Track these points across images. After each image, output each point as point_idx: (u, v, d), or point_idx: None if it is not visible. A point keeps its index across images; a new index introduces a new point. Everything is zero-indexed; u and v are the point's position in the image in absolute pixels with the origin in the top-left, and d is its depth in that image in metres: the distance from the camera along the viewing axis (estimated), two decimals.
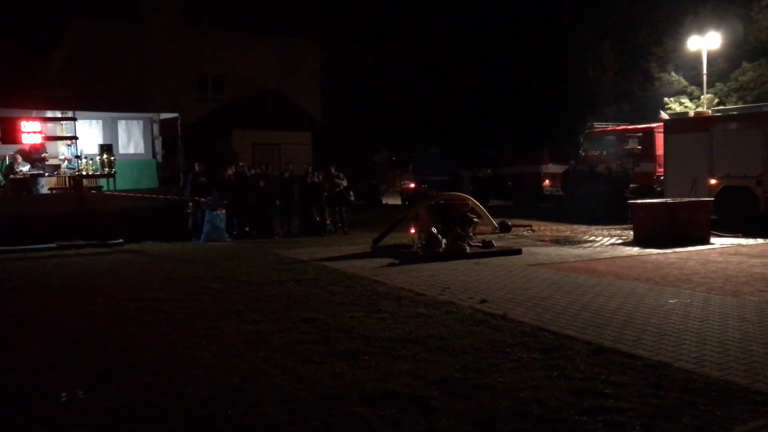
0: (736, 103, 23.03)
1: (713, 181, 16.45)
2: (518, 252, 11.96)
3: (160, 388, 4.80)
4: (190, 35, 28.79)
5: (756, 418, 4.09)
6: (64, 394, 4.71)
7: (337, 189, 16.99)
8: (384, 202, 30.78)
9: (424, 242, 11.54)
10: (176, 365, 5.36)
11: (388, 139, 40.50)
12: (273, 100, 29.49)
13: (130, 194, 15.78)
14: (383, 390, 4.64)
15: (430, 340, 5.96)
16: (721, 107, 21.08)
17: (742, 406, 4.27)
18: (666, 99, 25.55)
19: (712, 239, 13.49)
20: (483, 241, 12.41)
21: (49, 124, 16.09)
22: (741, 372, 4.94)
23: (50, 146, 16.27)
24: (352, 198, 18.84)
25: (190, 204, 15.70)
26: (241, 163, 17.42)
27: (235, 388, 4.75)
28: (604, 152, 21.83)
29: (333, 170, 17.36)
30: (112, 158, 15.90)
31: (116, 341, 6.19)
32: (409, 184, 29.27)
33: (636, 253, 11.86)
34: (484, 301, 7.61)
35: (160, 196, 16.06)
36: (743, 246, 12.69)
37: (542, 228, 16.85)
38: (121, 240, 14.39)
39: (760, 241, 13.34)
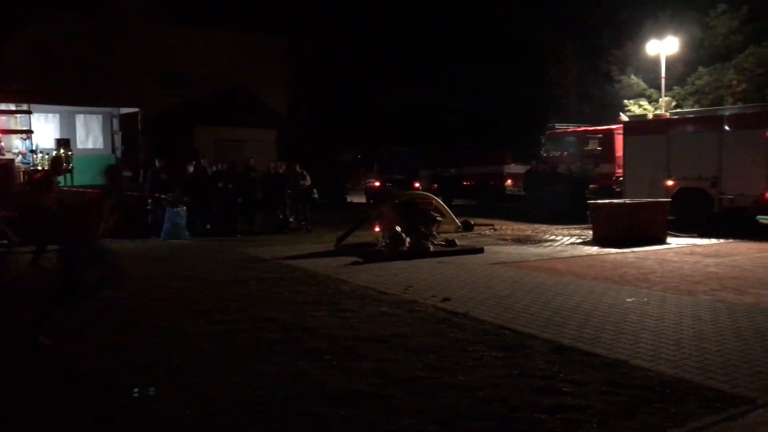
0: (692, 107, 23.60)
1: (670, 183, 16.84)
2: (480, 251, 12.07)
3: (116, 390, 4.71)
4: (152, 30, 28.24)
5: (709, 414, 4.21)
6: None
7: (302, 187, 16.90)
8: (349, 200, 30.75)
9: (388, 241, 11.56)
10: (135, 366, 5.27)
11: (354, 137, 40.46)
12: (237, 97, 29.13)
13: (88, 190, 15.42)
14: (346, 389, 4.64)
15: (394, 339, 5.97)
16: (679, 110, 21.59)
17: (696, 403, 4.39)
18: (625, 101, 26.06)
19: (669, 239, 13.82)
20: (446, 240, 12.49)
21: (3, 117, 15.63)
22: (695, 369, 5.07)
23: (4, 140, 15.80)
24: (316, 196, 18.78)
25: (150, 201, 15.42)
26: (202, 160, 17.18)
27: (195, 389, 4.69)
28: (565, 153, 22.14)
29: (298, 168, 17.26)
30: (70, 153, 15.52)
31: (71, 342, 6.05)
32: (374, 182, 29.31)
33: (595, 253, 12.09)
34: (446, 299, 7.66)
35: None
36: (698, 246, 13.03)
37: (504, 227, 17.04)
38: None
39: (714, 241, 13.72)
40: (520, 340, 5.96)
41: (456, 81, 38.51)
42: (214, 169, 16.76)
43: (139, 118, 17.28)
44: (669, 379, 4.84)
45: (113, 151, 17.45)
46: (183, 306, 7.53)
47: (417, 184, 27.05)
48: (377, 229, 13.22)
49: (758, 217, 16.81)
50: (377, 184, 28.81)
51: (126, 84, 25.17)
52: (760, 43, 23.73)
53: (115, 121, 17.46)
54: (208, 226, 16.17)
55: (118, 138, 17.44)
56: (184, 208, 14.91)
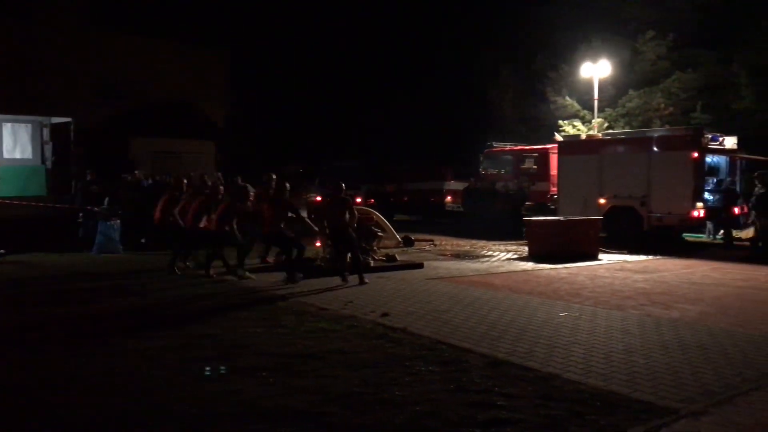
0: (623, 128, 24.55)
1: (602, 201, 17.39)
2: (420, 266, 12.16)
3: (37, 414, 4.50)
4: (87, 37, 27.41)
5: (636, 425, 4.34)
6: None
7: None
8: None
9: (328, 256, 11.51)
10: (57, 387, 5.04)
11: (296, 151, 40.23)
12: (176, 108, 28.54)
13: (15, 202, 14.79)
14: (281, 407, 4.57)
15: (331, 354, 5.94)
16: (610, 131, 22.41)
17: (624, 414, 4.52)
18: (560, 121, 26.87)
19: (601, 255, 14.27)
20: (387, 255, 12.54)
21: None
22: (623, 382, 5.24)
23: None
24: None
25: (81, 214, 14.89)
26: (136, 172, 16.73)
27: (122, 411, 4.53)
28: (503, 171, 22.62)
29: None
30: None
31: None
32: (315, 197, 29.16)
33: (530, 268, 12.36)
34: (385, 314, 7.68)
35: (49, 205, 15.15)
36: (628, 262, 13.50)
37: (444, 243, 17.23)
38: (2, 251, 13.43)
39: (643, 257, 14.24)
40: (457, 354, 6.02)
41: (397, 98, 38.88)
42: (150, 181, 16.31)
43: (72, 128, 16.71)
44: (599, 392, 4.98)
45: (43, 161, 16.81)
46: (113, 323, 7.28)
47: (358, 199, 27.09)
48: (318, 243, 13.14)
49: (684, 234, 17.57)
50: (319, 198, 28.68)
51: (58, 92, 24.30)
52: (685, 70, 24.96)
53: (46, 131, 16.86)
54: (143, 240, 15.69)
55: (48, 148, 16.82)
56: (118, 221, 14.47)
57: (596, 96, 23.47)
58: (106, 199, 14.64)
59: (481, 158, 23.92)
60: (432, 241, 16.83)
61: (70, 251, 14.07)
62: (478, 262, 13.38)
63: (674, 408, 4.64)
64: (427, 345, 6.34)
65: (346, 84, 42.45)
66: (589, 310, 8.14)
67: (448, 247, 16.25)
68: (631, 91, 26.06)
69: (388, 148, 37.13)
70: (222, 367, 5.51)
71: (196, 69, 30.01)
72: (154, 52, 28.97)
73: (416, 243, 15.91)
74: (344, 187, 11.15)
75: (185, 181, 12.10)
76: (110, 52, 27.73)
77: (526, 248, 14.59)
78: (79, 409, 4.54)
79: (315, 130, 41.83)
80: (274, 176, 12.60)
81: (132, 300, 8.69)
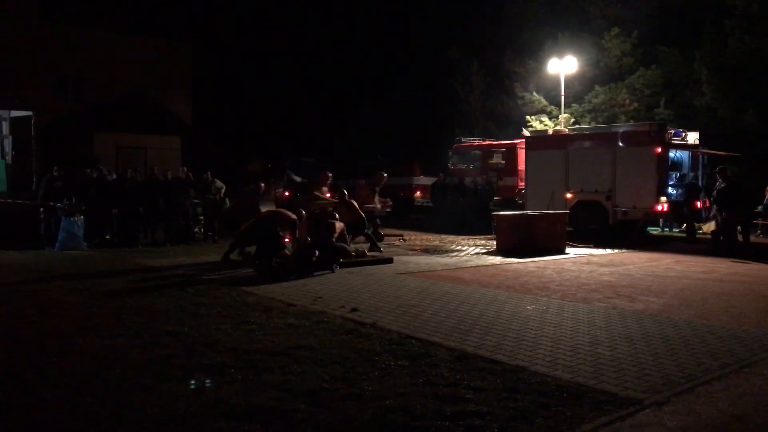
0: (589, 123, 24.91)
1: (569, 196, 17.61)
2: (389, 261, 12.17)
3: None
4: (49, 31, 26.83)
5: (601, 415, 4.41)
6: None
7: (215, 196, 16.46)
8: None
9: (297, 251, 11.43)
10: (23, 387, 4.92)
11: (263, 147, 39.89)
12: (139, 103, 28.09)
13: None
14: (249, 404, 4.52)
15: (300, 351, 5.89)
16: (577, 126, 22.70)
17: (589, 406, 4.58)
18: (528, 117, 27.13)
19: (568, 249, 14.46)
20: (356, 251, 12.50)
21: None
22: (589, 373, 5.31)
23: None
24: (228, 206, 18.30)
25: (42, 209, 14.54)
26: (101, 167, 16.40)
27: (88, 410, 4.43)
28: (471, 166, 22.77)
29: (209, 176, 16.81)
30: None
31: None
32: (284, 192, 28.94)
33: (498, 262, 12.46)
34: (354, 309, 7.66)
35: (9, 201, 14.76)
36: (594, 256, 13.70)
37: (413, 238, 17.28)
38: None
39: (609, 251, 14.47)
40: (425, 348, 6.03)
41: (369, 94, 38.82)
42: (114, 176, 16.00)
43: (33, 122, 16.30)
44: (565, 384, 5.04)
45: (2, 156, 16.36)
46: (77, 322, 7.12)
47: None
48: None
49: (648, 228, 17.90)
50: (287, 194, 28.48)
51: (17, 85, 23.72)
52: (649, 66, 25.40)
53: (5, 124, 16.40)
54: (108, 237, 15.42)
55: (8, 142, 16.37)
56: (81, 217, 14.17)
57: (563, 92, 23.74)
58: (72, 197, 14.32)
59: (450, 153, 24.03)
60: (401, 236, 16.87)
61: (32, 248, 13.73)
62: (448, 256, 13.44)
63: (638, 398, 4.72)
64: (396, 339, 6.33)
65: (314, 80, 42.26)
66: (556, 303, 8.24)
67: (418, 242, 16.31)
68: (597, 87, 26.44)
69: (357, 143, 37.08)
70: (187, 365, 5.43)
71: (159, 64, 29.60)
72: (118, 46, 28.49)
73: (386, 238, 15.91)
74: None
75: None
76: (73, 46, 27.22)
77: (495, 243, 14.70)
78: (49, 409, 4.43)
79: (282, 126, 41.52)
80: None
81: (90, 297, 8.51)
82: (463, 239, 16.90)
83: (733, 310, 8.01)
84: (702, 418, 4.40)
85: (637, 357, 5.78)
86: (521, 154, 19.94)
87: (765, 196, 17.90)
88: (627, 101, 25.63)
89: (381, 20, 41.11)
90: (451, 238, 17.29)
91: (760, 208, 17.76)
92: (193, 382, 5.01)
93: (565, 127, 21.44)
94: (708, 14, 23.50)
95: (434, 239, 17.13)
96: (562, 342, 6.28)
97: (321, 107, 41.31)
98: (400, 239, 16.48)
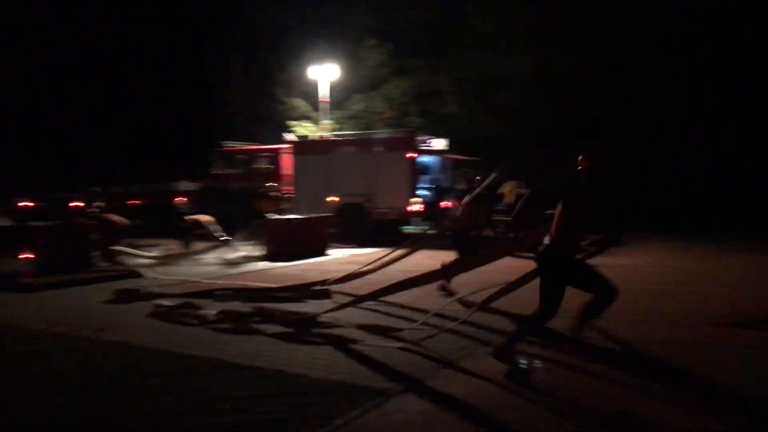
0: (351, 130, 25.96)
1: (334, 199, 18.23)
2: (138, 275, 11.41)
3: None
4: None
5: (354, 408, 4.59)
6: None
7: None
8: None
9: (37, 269, 10.24)
10: None
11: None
12: None
13: None
14: None
15: (42, 378, 5.28)
16: (341, 133, 23.52)
17: (344, 400, 4.75)
18: (289, 122, 27.45)
19: (332, 251, 14.92)
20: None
21: None
22: (345, 371, 5.50)
23: None
24: None
25: None
26: None
27: None
28: (236, 171, 22.36)
29: None
30: None
31: None
32: (26, 203, 25.77)
33: (264, 267, 12.42)
34: (102, 329, 7.06)
35: None
36: (356, 255, 14.29)
37: (174, 247, 16.43)
38: None
39: (369, 250, 15.18)
40: (181, 362, 5.78)
41: (120, 98, 35.91)
42: None
43: None
44: (322, 382, 5.17)
45: None
46: None
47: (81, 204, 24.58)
48: (28, 255, 11.61)
49: (403, 227, 19.18)
50: (31, 204, 25.43)
51: None
52: (402, 76, 27.30)
53: None
54: None
55: None
56: None
57: (322, 98, 24.44)
58: None
59: (214, 158, 23.37)
60: (156, 245, 15.95)
61: None
62: (210, 265, 13.04)
63: (387, 389, 5.01)
64: (147, 356, 5.97)
65: (62, 84, 37.89)
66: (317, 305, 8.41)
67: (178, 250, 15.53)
68: (355, 95, 27.67)
69: (115, 148, 34.34)
70: None
71: None
72: None
73: (141, 248, 14.90)
74: None
75: None
76: None
77: (263, 248, 14.59)
78: None
79: (29, 130, 36.77)
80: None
81: None
82: (231, 245, 16.48)
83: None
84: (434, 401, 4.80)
85: (386, 352, 6.11)
86: (285, 159, 20.11)
87: (503, 196, 19.92)
88: (383, 109, 27.22)
89: (135, 15, 38.25)
90: (218, 244, 16.75)
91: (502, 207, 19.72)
92: None
93: (330, 133, 22.10)
94: (451, 31, 25.95)
95: (202, 247, 16.43)
96: (321, 343, 6.42)
97: (77, 111, 37.11)
98: (163, 249, 15.56)
